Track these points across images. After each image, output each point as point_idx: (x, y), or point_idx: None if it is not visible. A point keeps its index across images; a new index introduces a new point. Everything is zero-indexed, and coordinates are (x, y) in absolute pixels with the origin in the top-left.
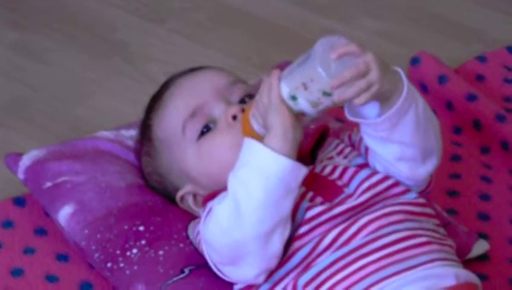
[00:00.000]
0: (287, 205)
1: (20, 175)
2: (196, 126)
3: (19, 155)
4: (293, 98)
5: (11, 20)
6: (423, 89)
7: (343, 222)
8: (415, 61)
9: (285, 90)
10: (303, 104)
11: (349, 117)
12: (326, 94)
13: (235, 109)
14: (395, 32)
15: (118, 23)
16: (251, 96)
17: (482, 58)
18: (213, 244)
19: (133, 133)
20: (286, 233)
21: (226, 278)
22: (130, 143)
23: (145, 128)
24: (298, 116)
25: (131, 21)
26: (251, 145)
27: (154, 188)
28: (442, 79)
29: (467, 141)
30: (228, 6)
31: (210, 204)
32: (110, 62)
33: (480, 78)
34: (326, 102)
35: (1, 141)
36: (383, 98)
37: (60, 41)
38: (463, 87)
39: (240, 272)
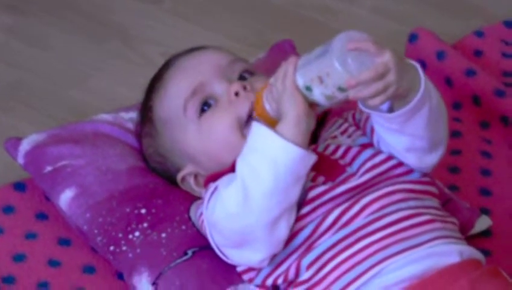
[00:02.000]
0: (295, 192)
1: (20, 160)
2: (196, 104)
3: (19, 140)
4: (308, 88)
5: (7, 4)
6: (422, 65)
7: (345, 201)
8: (412, 37)
9: (300, 81)
10: (317, 96)
11: (362, 108)
12: (342, 90)
13: (237, 86)
14: (391, 8)
15: (114, 5)
16: (250, 72)
17: (479, 33)
18: (218, 227)
19: (132, 115)
20: (292, 218)
21: (228, 261)
22: (130, 125)
23: (146, 109)
24: (312, 104)
25: (128, 3)
26: (262, 131)
27: (156, 169)
28: (440, 55)
29: (466, 117)
30: None
31: (213, 185)
32: (108, 45)
33: (478, 53)
34: (340, 97)
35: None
36: (399, 97)
37: (56, 24)
38: (461, 62)
39: (244, 256)
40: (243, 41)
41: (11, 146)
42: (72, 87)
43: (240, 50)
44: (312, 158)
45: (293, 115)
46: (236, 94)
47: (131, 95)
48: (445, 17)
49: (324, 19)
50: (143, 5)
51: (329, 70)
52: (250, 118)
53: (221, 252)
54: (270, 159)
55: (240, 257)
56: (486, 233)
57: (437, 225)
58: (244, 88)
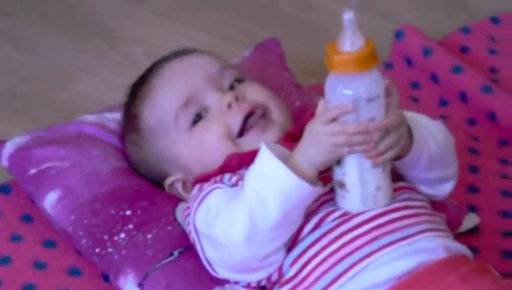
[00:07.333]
0: (299, 222)
1: (4, 162)
2: (189, 115)
3: (2, 142)
4: (338, 163)
5: None
6: (408, 62)
7: (330, 200)
8: (398, 34)
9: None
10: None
11: None
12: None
13: (229, 97)
14: (376, 4)
15: (98, 5)
16: (240, 80)
17: (466, 30)
18: (215, 243)
19: (116, 115)
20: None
21: (217, 276)
22: (113, 126)
23: (131, 116)
24: None
25: (112, 3)
26: (274, 163)
27: (141, 174)
28: (426, 52)
29: (453, 114)
30: None
31: (198, 190)
32: (91, 45)
33: (464, 49)
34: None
35: None
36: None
37: (41, 25)
38: (448, 59)
39: (237, 278)
40: (229, 40)
41: None
42: (56, 88)
43: (226, 49)
44: (320, 191)
45: (316, 161)
46: (229, 106)
47: (115, 95)
48: (429, 14)
49: (309, 16)
50: (127, 5)
51: None
52: (242, 129)
53: (211, 268)
54: (281, 193)
55: (233, 277)
56: (473, 231)
57: (424, 217)
58: (237, 99)
